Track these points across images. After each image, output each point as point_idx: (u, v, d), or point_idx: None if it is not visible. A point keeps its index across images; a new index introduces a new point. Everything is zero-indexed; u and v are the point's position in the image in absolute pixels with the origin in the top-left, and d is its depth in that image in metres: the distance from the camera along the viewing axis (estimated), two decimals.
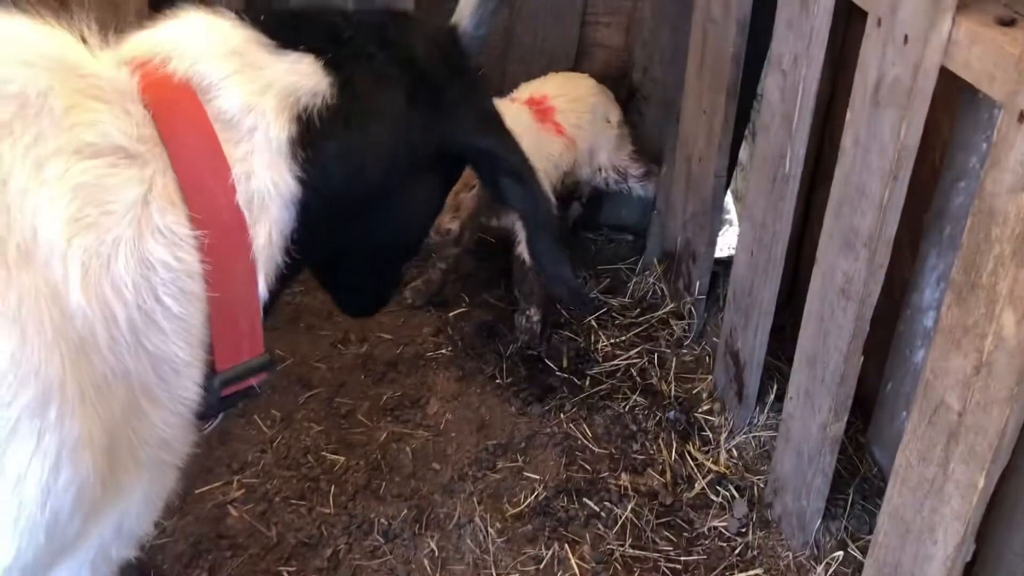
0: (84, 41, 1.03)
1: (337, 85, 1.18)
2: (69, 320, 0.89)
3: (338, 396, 2.58)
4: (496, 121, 1.43)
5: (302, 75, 1.15)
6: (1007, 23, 1.44)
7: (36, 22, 1.00)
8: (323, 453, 2.39)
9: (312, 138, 1.14)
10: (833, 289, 1.87)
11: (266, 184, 1.09)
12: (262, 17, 1.18)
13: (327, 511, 2.23)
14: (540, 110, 2.80)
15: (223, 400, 1.14)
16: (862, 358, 1.86)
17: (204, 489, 2.27)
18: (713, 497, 2.33)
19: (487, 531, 2.20)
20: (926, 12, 1.51)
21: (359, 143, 1.21)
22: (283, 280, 1.19)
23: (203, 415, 1.12)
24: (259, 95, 1.10)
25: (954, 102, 1.94)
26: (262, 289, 1.11)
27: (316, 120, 1.14)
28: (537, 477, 2.37)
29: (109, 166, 0.95)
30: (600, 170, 3.04)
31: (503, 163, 1.39)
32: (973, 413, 1.43)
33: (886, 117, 1.65)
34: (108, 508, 1.01)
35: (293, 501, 2.26)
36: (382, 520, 2.21)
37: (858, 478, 2.27)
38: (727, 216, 3.85)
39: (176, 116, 1.03)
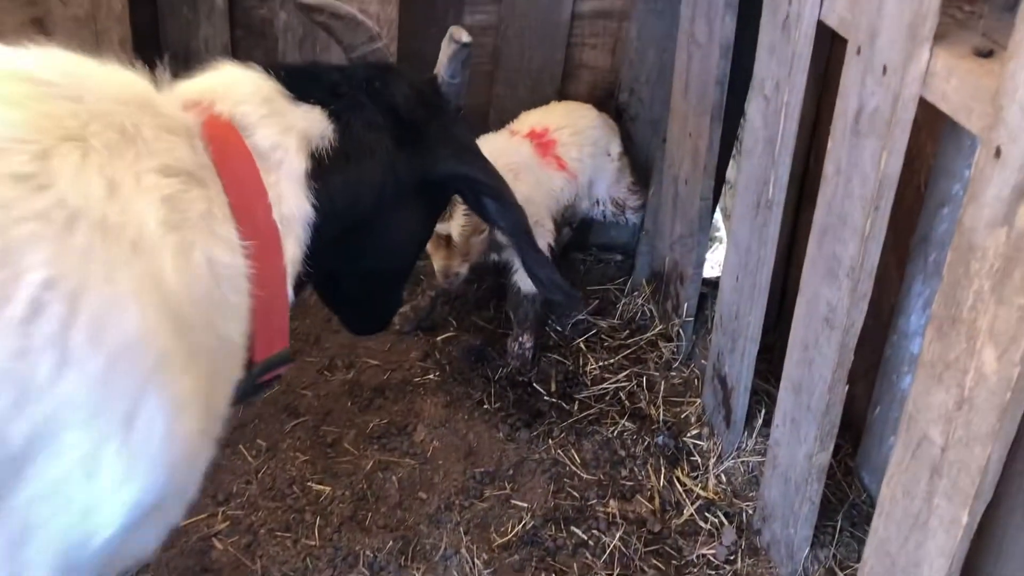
0: (156, 83, 1.29)
1: (339, 131, 1.44)
2: (168, 300, 1.07)
3: (324, 424, 2.56)
4: (470, 150, 1.66)
5: (313, 122, 1.41)
6: (985, 55, 1.43)
7: (124, 67, 1.24)
8: (308, 483, 2.37)
9: (322, 172, 1.39)
10: (817, 317, 1.85)
11: (291, 207, 1.33)
12: (282, 72, 1.43)
13: (312, 543, 2.21)
14: (541, 143, 2.78)
15: (256, 386, 1.35)
16: (847, 387, 1.85)
17: (189, 521, 2.24)
18: (702, 524, 2.31)
19: (474, 562, 2.18)
20: (904, 42, 1.50)
21: (356, 176, 1.46)
22: (297, 290, 1.40)
23: (237, 399, 1.30)
24: (284, 135, 1.36)
25: (937, 127, 1.94)
26: (290, 292, 1.34)
27: (325, 158, 1.41)
28: (525, 505, 2.35)
29: (183, 184, 1.16)
30: (598, 202, 3.03)
31: (479, 185, 1.63)
32: (956, 449, 1.41)
33: (867, 146, 1.64)
34: (191, 473, 1.16)
35: (278, 533, 2.24)
36: (367, 552, 2.19)
37: (847, 504, 2.25)
38: (716, 234, 3.84)
39: (226, 149, 1.28)
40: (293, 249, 1.33)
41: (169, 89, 1.33)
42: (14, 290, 0.92)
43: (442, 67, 1.66)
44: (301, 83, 1.43)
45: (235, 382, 1.27)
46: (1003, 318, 1.28)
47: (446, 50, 1.67)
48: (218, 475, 2.37)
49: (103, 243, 1.01)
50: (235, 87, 1.37)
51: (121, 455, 0.99)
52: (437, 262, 2.60)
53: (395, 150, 1.52)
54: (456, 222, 2.49)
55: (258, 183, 1.29)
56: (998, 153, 1.26)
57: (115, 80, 1.20)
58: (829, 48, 2.33)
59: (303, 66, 1.61)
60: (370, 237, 1.56)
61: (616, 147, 3.00)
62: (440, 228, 2.50)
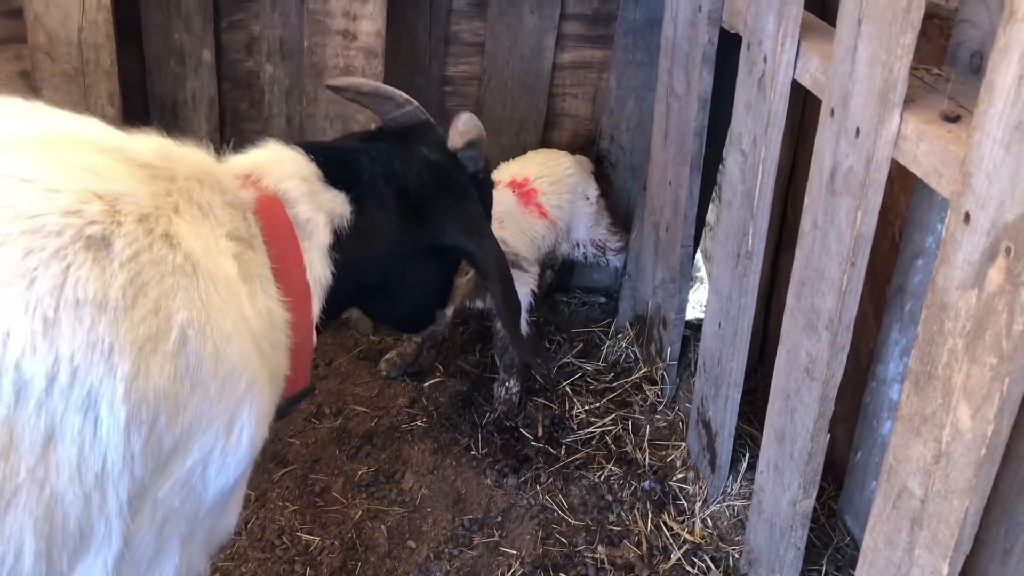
0: (218, 158, 1.53)
1: (356, 212, 1.67)
2: (254, 334, 1.30)
3: (313, 472, 2.57)
4: (471, 225, 1.86)
5: (338, 204, 1.64)
6: (952, 119, 1.49)
7: (197, 147, 1.45)
8: (298, 533, 2.38)
9: (340, 246, 1.63)
10: (798, 367, 1.90)
11: (318, 272, 1.57)
12: (320, 156, 1.66)
13: None
14: (523, 193, 2.84)
15: (282, 414, 1.56)
16: (828, 435, 1.89)
17: None
18: (689, 568, 2.33)
19: None
20: (875, 107, 1.56)
21: (365, 250, 1.70)
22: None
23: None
24: (316, 212, 1.59)
25: (910, 181, 2.00)
26: (313, 339, 1.59)
27: (343, 234, 1.64)
28: (514, 552, 2.37)
29: (242, 247, 1.38)
30: (578, 245, 3.08)
31: (472, 260, 1.88)
32: (935, 501, 1.45)
33: (842, 205, 1.69)
34: (245, 482, 1.41)
35: None
36: None
37: (831, 548, 2.28)
38: (697, 274, 3.90)
39: (272, 222, 1.49)
40: (317, 304, 1.57)
41: (226, 162, 1.58)
42: (168, 328, 1.14)
43: (456, 143, 1.90)
44: (333, 168, 1.66)
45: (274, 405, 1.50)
46: (976, 376, 1.32)
47: (461, 135, 1.89)
48: None
49: (215, 290, 1.22)
50: (281, 165, 1.60)
51: (224, 454, 1.23)
52: None
53: (400, 227, 1.76)
54: None
55: (297, 251, 1.53)
56: (967, 218, 1.31)
57: (193, 161, 1.41)
58: (803, 100, 2.41)
59: (337, 149, 1.81)
60: (388, 287, 1.83)
61: (593, 190, 3.06)
62: None
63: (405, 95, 1.92)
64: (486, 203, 2.09)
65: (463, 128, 1.89)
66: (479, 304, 2.81)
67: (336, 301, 1.65)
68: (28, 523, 1.04)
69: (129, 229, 1.14)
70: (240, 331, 1.24)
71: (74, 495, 1.07)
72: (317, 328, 1.61)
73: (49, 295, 1.04)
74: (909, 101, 1.54)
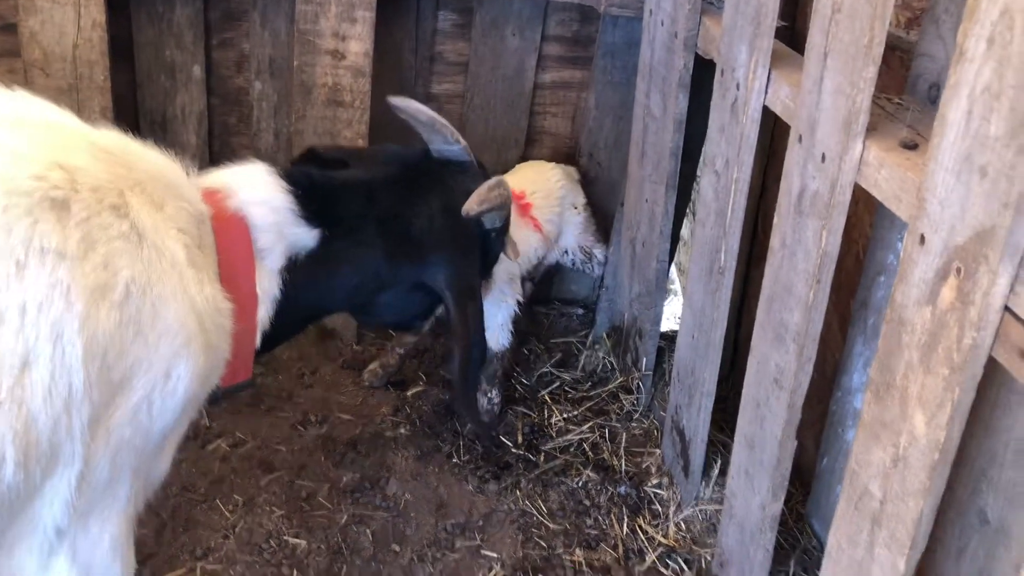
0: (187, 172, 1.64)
1: (322, 246, 1.81)
2: (194, 305, 1.46)
3: (299, 479, 2.64)
4: (460, 283, 1.97)
5: (302, 238, 1.79)
6: (910, 147, 1.61)
7: (163, 153, 1.58)
8: (285, 537, 2.45)
9: (293, 269, 1.78)
10: (767, 378, 2.01)
11: (265, 287, 1.73)
12: (302, 190, 1.78)
13: None
14: (520, 205, 2.92)
15: (220, 396, 1.76)
16: (796, 443, 1.99)
17: None
18: (663, 570, 2.43)
19: None
20: (840, 135, 1.68)
21: (324, 278, 1.85)
22: (269, 340, 1.82)
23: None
24: (277, 242, 1.74)
25: (873, 201, 2.11)
26: (257, 341, 1.76)
27: (298, 260, 1.79)
28: (495, 555, 2.45)
29: (192, 244, 1.52)
30: (567, 252, 3.18)
31: (449, 319, 1.98)
32: (893, 502, 1.56)
33: (809, 225, 1.80)
34: (178, 436, 1.59)
35: None
36: None
37: (799, 550, 2.39)
38: (672, 286, 4.01)
39: (229, 235, 1.65)
40: (262, 313, 1.74)
41: (196, 175, 1.69)
42: (115, 282, 1.32)
43: (470, 209, 1.97)
44: (313, 202, 1.79)
45: (213, 385, 1.68)
46: (930, 387, 1.43)
47: (478, 203, 1.96)
48: (196, 530, 2.44)
49: (157, 259, 1.40)
50: (253, 190, 1.74)
51: (163, 396, 1.41)
52: None
53: (381, 262, 1.91)
54: None
55: (249, 263, 1.70)
56: (922, 240, 1.42)
57: (153, 159, 1.55)
58: (773, 124, 2.52)
59: (329, 184, 1.90)
60: (363, 305, 1.98)
61: (581, 199, 3.16)
62: None
63: (457, 134, 2.02)
64: (491, 258, 2.20)
65: (483, 196, 1.96)
66: None
67: (292, 313, 1.81)
68: (9, 435, 1.21)
69: (84, 196, 1.33)
70: (179, 299, 1.42)
71: (46, 416, 1.25)
72: (271, 334, 1.78)
73: (21, 244, 1.23)
74: (872, 129, 1.65)
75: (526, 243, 2.91)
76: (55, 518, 1.34)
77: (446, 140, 2.03)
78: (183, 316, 1.43)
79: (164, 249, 1.43)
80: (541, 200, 2.98)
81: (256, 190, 1.75)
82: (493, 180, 2.01)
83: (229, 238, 1.65)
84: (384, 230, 1.90)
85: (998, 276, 1.27)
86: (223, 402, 1.83)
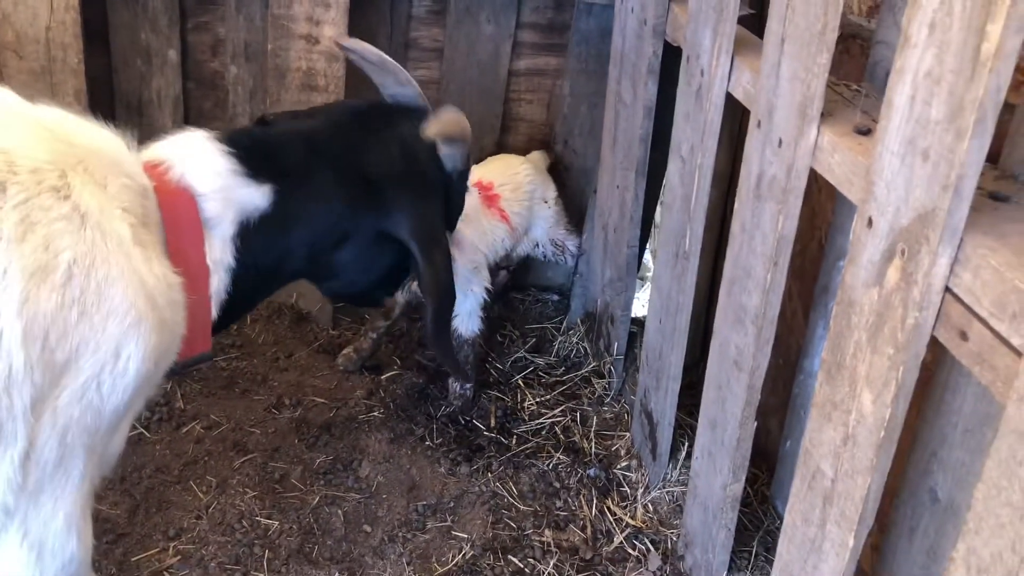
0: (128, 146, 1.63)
1: (275, 204, 1.75)
2: (144, 284, 1.45)
3: (272, 460, 2.67)
4: (424, 227, 1.90)
5: (255, 198, 1.74)
6: (864, 132, 1.64)
7: (105, 128, 1.58)
8: (257, 518, 2.47)
9: (245, 236, 1.73)
10: (727, 360, 2.04)
11: (217, 256, 1.70)
12: (243, 151, 1.73)
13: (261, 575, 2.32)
14: (487, 196, 2.95)
15: (178, 370, 1.74)
16: (756, 423, 2.03)
17: (140, 556, 2.33)
18: (630, 551, 2.47)
19: None
20: (796, 120, 1.71)
21: (280, 239, 1.80)
22: (229, 312, 1.79)
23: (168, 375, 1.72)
24: (225, 208, 1.70)
25: (834, 189, 2.15)
26: (214, 312, 1.73)
27: (251, 225, 1.74)
28: (465, 536, 2.49)
29: (137, 223, 1.51)
30: (538, 245, 3.21)
31: (417, 266, 1.92)
32: (843, 480, 1.59)
33: (767, 209, 1.83)
34: (134, 413, 1.59)
35: (228, 566, 2.33)
36: None
37: (762, 530, 2.43)
38: (648, 274, 4.04)
39: (174, 207, 1.63)
40: (216, 284, 1.71)
41: (136, 151, 1.66)
42: (56, 263, 1.33)
43: (430, 133, 1.92)
44: (256, 160, 1.73)
45: (172, 360, 1.67)
46: (877, 366, 1.47)
47: (439, 126, 1.89)
48: (169, 511, 2.46)
49: (101, 239, 1.40)
50: (192, 159, 1.70)
51: (113, 376, 1.42)
52: None
53: (341, 213, 1.83)
54: None
55: (198, 235, 1.67)
56: (870, 223, 1.45)
57: (95, 136, 1.55)
58: (743, 112, 2.55)
59: (269, 139, 1.84)
60: (327, 266, 1.92)
61: (551, 193, 3.19)
62: None
63: (408, 75, 1.92)
64: (453, 206, 2.10)
65: (444, 120, 1.89)
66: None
67: (251, 280, 1.78)
68: None
69: (22, 178, 1.34)
70: (126, 278, 1.42)
71: None
72: (229, 303, 1.76)
73: None
74: (827, 115, 1.68)
75: (493, 234, 2.94)
76: (0, 497, 1.36)
77: (398, 82, 1.94)
78: (131, 296, 1.43)
79: (109, 230, 1.42)
80: (509, 192, 3.00)
81: (196, 158, 1.70)
82: (449, 107, 1.94)
83: (174, 211, 1.63)
84: (339, 178, 1.83)
85: (939, 257, 1.31)
86: (182, 375, 1.82)
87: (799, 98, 1.69)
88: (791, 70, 1.71)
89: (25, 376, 1.29)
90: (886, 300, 1.43)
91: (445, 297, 1.97)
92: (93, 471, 1.49)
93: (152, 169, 1.65)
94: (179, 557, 2.35)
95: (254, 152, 1.75)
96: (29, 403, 1.31)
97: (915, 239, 1.35)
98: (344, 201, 1.83)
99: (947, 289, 1.32)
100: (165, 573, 2.31)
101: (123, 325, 1.41)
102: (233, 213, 1.71)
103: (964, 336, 1.30)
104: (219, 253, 1.70)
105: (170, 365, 1.66)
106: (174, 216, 1.62)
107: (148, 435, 2.69)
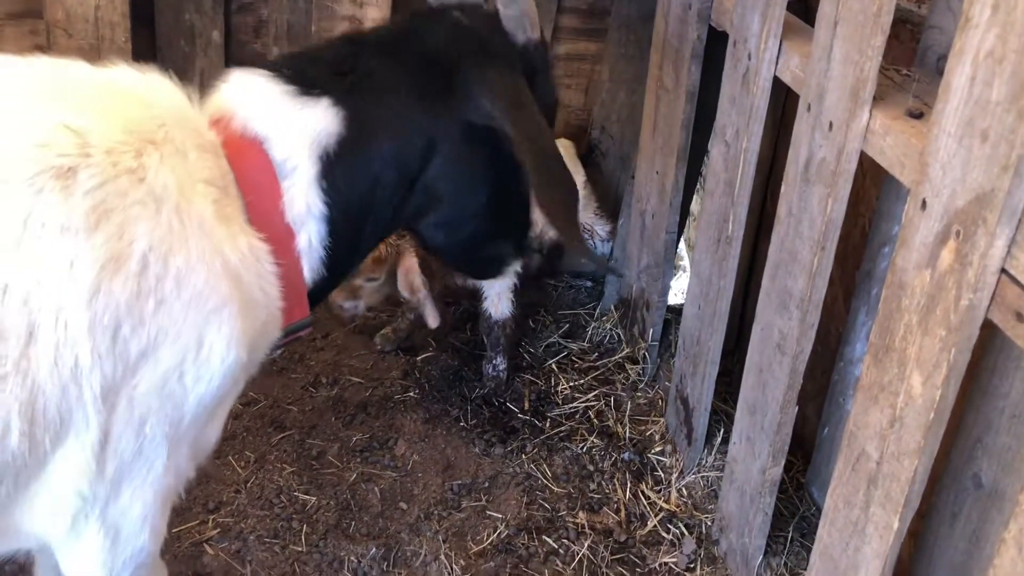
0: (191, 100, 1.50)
1: (347, 119, 1.56)
2: (227, 266, 1.39)
3: (309, 438, 2.70)
4: (505, 96, 1.64)
5: (319, 120, 1.54)
6: (916, 116, 1.64)
7: (173, 85, 1.48)
8: (295, 493, 2.51)
9: (331, 170, 1.55)
10: (770, 344, 2.04)
11: (302, 209, 1.53)
12: (287, 68, 1.57)
13: (300, 549, 2.35)
14: None
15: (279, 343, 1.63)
16: (797, 408, 2.03)
17: (181, 528, 2.37)
18: (664, 534, 2.48)
19: (452, 568, 2.33)
20: (847, 103, 1.70)
21: (366, 155, 1.59)
22: (333, 268, 1.62)
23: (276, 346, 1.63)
24: (295, 147, 1.52)
25: (879, 175, 2.14)
26: (307, 275, 1.58)
27: (332, 155, 1.55)
28: (499, 516, 2.51)
29: (219, 193, 1.43)
30: None
31: (509, 142, 1.64)
32: (889, 462, 1.60)
33: (815, 192, 1.83)
34: (232, 399, 1.54)
35: (267, 540, 2.37)
36: (352, 558, 2.33)
37: (797, 516, 2.44)
38: (680, 263, 4.04)
39: (244, 164, 1.49)
40: (306, 241, 1.55)
41: (199, 106, 1.52)
42: (129, 252, 1.28)
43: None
44: (305, 74, 1.56)
45: (276, 336, 1.58)
46: (928, 348, 1.47)
47: None
48: (208, 485, 2.50)
49: (179, 223, 1.34)
50: (246, 102, 1.53)
51: (197, 365, 1.37)
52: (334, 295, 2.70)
53: (417, 108, 1.61)
54: None
55: (274, 191, 1.51)
56: (924, 205, 1.45)
57: (172, 97, 1.46)
58: (785, 96, 2.55)
59: (310, 51, 1.69)
60: (432, 195, 1.68)
61: (580, 177, 3.19)
62: None
63: None
64: (541, 87, 1.80)
65: None
66: (459, 280, 2.92)
67: (349, 224, 1.59)
68: (15, 406, 1.22)
69: (96, 160, 1.27)
70: (207, 263, 1.35)
71: (53, 385, 1.24)
72: (329, 259, 1.58)
73: (20, 219, 1.21)
74: (878, 98, 1.68)
75: None
76: (75, 484, 1.33)
77: None
78: (213, 281, 1.36)
79: (188, 211, 1.35)
80: None
81: (248, 99, 1.53)
82: None
83: (246, 168, 1.49)
84: (401, 68, 1.62)
85: (996, 238, 1.31)
86: (284, 345, 1.68)
87: (851, 81, 1.69)
88: (844, 53, 1.71)
89: (94, 366, 1.26)
90: (939, 282, 1.43)
91: (553, 163, 1.66)
92: (180, 462, 1.45)
93: (216, 124, 1.51)
94: (218, 530, 2.38)
95: (300, 65, 1.58)
96: (100, 393, 1.27)
97: (971, 220, 1.35)
98: (415, 94, 1.61)
99: (1003, 270, 1.32)
100: (205, 545, 2.35)
101: (204, 311, 1.35)
102: (306, 148, 1.52)
103: (1020, 317, 1.30)
104: (305, 202, 1.53)
105: (272, 343, 1.58)
106: (247, 174, 1.48)
107: None
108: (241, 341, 1.41)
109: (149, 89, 1.45)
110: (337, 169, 1.55)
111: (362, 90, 1.59)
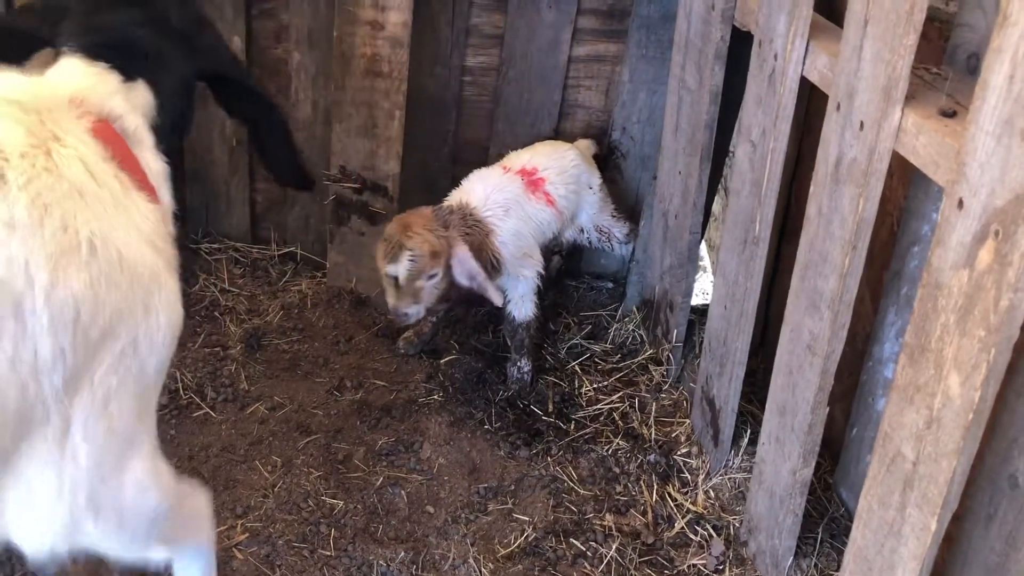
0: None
1: (156, 95, 1.73)
2: (143, 234, 1.46)
3: (335, 442, 2.70)
4: (228, 55, 2.01)
5: (144, 98, 1.71)
6: (949, 115, 1.63)
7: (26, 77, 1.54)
8: (323, 497, 2.51)
9: (160, 136, 1.72)
10: (800, 345, 2.04)
11: (156, 169, 1.66)
12: (106, 53, 1.67)
13: (328, 553, 2.35)
14: (531, 181, 2.94)
15: None
16: (827, 408, 2.02)
17: None
18: (692, 536, 2.47)
19: (481, 571, 2.33)
20: (879, 102, 1.70)
21: (171, 124, 1.79)
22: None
23: None
24: (137, 119, 1.66)
25: (908, 173, 2.13)
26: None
27: (156, 124, 1.72)
28: (527, 519, 2.51)
29: (114, 168, 1.49)
30: (583, 231, 3.20)
31: (250, 91, 1.97)
32: (925, 463, 1.59)
33: (845, 192, 1.83)
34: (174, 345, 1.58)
35: (295, 544, 2.37)
36: (380, 562, 2.33)
37: (826, 518, 2.43)
38: (701, 263, 4.04)
39: (116, 145, 1.55)
40: (166, 195, 1.68)
41: (51, 88, 1.59)
42: (77, 241, 1.33)
43: None
44: (124, 60, 1.69)
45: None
46: (966, 348, 1.46)
47: None
48: (236, 489, 2.50)
49: (104, 207, 1.41)
50: (97, 87, 1.63)
51: (148, 334, 1.44)
52: (388, 300, 2.73)
53: (183, 67, 1.82)
54: (402, 265, 2.62)
55: (134, 158, 1.61)
56: (961, 204, 1.45)
57: (51, 95, 1.52)
58: (809, 96, 2.54)
59: (117, 38, 1.77)
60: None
61: (596, 180, 3.17)
62: (389, 269, 2.63)
63: None
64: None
65: None
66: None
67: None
68: None
69: (15, 164, 1.32)
70: (132, 235, 1.43)
71: (10, 383, 1.27)
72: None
73: None
74: (910, 98, 1.67)
75: (538, 218, 2.94)
76: (50, 478, 1.36)
77: None
78: (143, 249, 1.43)
79: (104, 190, 1.42)
80: (555, 176, 2.99)
81: (99, 84, 1.63)
82: None
83: (113, 142, 1.56)
84: (171, 41, 1.80)
85: None
86: None
87: (883, 80, 1.68)
88: (875, 51, 1.70)
89: (55, 361, 1.29)
90: (977, 282, 1.42)
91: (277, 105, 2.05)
92: (152, 424, 1.50)
93: (78, 109, 1.58)
94: (247, 534, 2.39)
95: (117, 55, 1.70)
96: (60, 386, 1.31)
97: (1011, 219, 1.34)
98: (179, 61, 1.82)
99: None
100: (234, 550, 2.35)
101: (144, 282, 1.41)
102: (144, 120, 1.68)
103: None
104: (156, 165, 1.67)
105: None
106: (115, 147, 1.55)
107: (214, 415, 2.74)
108: (179, 297, 1.51)
109: (14, 88, 1.50)
110: (162, 135, 1.72)
111: (159, 71, 1.77)
